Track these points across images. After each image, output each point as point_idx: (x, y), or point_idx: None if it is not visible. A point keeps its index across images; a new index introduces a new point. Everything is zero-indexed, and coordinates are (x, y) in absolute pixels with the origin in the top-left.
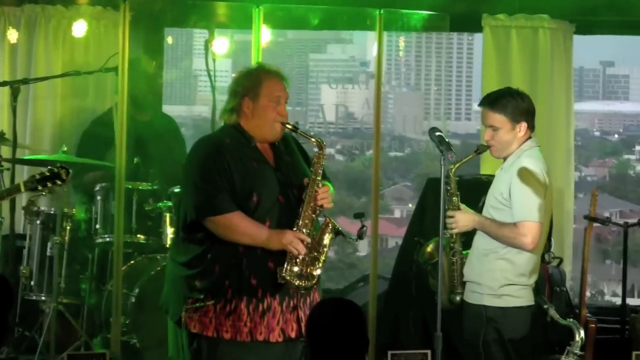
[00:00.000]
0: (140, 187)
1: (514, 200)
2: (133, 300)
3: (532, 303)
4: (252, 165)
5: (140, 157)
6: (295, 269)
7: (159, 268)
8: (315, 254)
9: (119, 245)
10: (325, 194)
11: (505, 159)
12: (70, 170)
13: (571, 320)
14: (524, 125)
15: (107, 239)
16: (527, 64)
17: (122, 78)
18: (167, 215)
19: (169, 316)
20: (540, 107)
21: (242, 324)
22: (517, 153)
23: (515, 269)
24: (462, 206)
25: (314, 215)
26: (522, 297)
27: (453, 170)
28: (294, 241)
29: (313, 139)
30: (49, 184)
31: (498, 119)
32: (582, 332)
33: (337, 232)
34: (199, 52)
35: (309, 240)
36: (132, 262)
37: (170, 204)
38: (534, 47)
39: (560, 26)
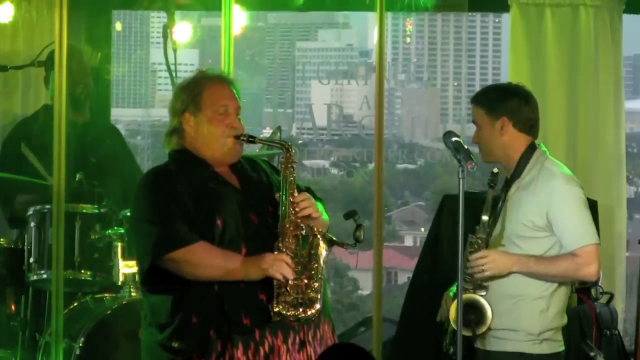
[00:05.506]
0: (84, 211)
1: (563, 226)
2: (77, 352)
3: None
4: (209, 186)
5: (82, 173)
6: (289, 298)
7: (109, 312)
8: (309, 274)
9: (58, 283)
10: (306, 202)
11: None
12: None
13: None
14: (505, 122)
15: (44, 276)
16: (565, 51)
17: (60, 73)
18: (119, 245)
19: None
20: (583, 105)
21: None
22: (531, 167)
23: (554, 306)
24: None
25: (297, 232)
26: (560, 340)
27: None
28: (276, 264)
29: (276, 144)
30: None
31: (477, 113)
32: None
33: (330, 242)
34: (157, 41)
35: (291, 262)
36: (75, 304)
37: (122, 230)
38: (573, 30)
39: (605, 3)
